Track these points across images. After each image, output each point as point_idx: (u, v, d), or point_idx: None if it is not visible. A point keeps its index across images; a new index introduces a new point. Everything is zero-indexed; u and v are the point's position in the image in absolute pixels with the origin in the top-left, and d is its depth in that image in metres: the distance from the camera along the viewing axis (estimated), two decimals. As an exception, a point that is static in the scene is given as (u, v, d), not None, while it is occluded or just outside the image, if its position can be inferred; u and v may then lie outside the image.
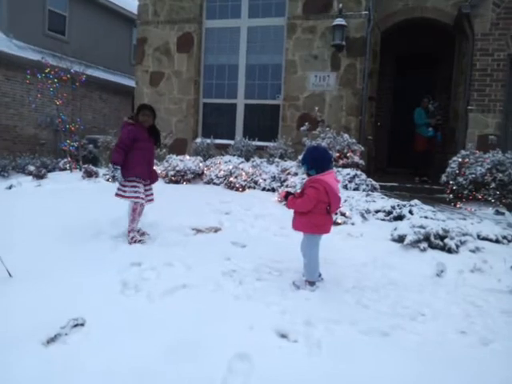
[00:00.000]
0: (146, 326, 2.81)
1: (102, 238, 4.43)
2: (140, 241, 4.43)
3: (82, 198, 6.00)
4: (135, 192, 4.42)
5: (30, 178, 7.99)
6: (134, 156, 4.39)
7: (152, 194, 4.70)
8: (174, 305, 3.11)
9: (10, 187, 7.28)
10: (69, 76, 8.74)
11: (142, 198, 4.47)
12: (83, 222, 4.78)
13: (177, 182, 7.46)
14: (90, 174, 7.69)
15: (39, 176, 7.92)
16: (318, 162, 3.52)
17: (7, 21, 12.67)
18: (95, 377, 2.33)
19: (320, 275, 3.69)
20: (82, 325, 2.80)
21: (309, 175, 3.59)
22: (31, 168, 8.42)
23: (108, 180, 7.50)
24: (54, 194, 6.35)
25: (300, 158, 7.23)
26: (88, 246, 4.17)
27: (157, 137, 4.70)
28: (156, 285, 3.38)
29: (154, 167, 4.98)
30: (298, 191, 3.91)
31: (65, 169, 8.91)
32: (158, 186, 4.75)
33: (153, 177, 4.73)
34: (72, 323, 2.78)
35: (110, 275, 3.49)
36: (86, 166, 8.23)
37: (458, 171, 6.87)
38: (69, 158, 8.87)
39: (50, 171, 8.77)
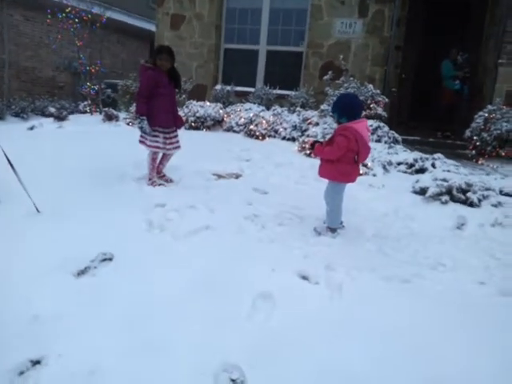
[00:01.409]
0: (173, 262, 2.89)
1: (126, 180, 4.47)
2: (160, 184, 4.46)
3: (104, 140, 6.01)
4: (156, 142, 4.36)
5: (51, 119, 8.02)
6: (156, 103, 4.25)
7: (178, 142, 4.56)
8: (198, 244, 3.18)
9: (32, 128, 7.33)
10: (89, 16, 8.58)
11: (161, 148, 4.41)
12: (107, 163, 4.81)
13: (197, 129, 7.43)
14: (110, 118, 7.69)
15: (60, 118, 7.95)
16: (348, 109, 3.44)
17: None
18: (124, 306, 2.43)
19: (342, 223, 3.72)
20: (111, 259, 2.88)
21: (339, 123, 3.52)
22: (52, 109, 8.45)
23: (128, 124, 7.50)
24: (75, 135, 6.38)
25: (322, 107, 7.14)
26: (113, 187, 4.22)
27: (177, 80, 4.51)
28: (180, 225, 3.44)
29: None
30: (326, 139, 3.85)
31: (85, 112, 8.92)
32: (179, 132, 4.71)
33: (177, 122, 4.59)
34: (101, 257, 2.87)
35: (135, 215, 3.55)
36: (106, 109, 8.21)
37: (483, 126, 6.71)
38: (89, 101, 8.85)
39: (69, 114, 8.79)
